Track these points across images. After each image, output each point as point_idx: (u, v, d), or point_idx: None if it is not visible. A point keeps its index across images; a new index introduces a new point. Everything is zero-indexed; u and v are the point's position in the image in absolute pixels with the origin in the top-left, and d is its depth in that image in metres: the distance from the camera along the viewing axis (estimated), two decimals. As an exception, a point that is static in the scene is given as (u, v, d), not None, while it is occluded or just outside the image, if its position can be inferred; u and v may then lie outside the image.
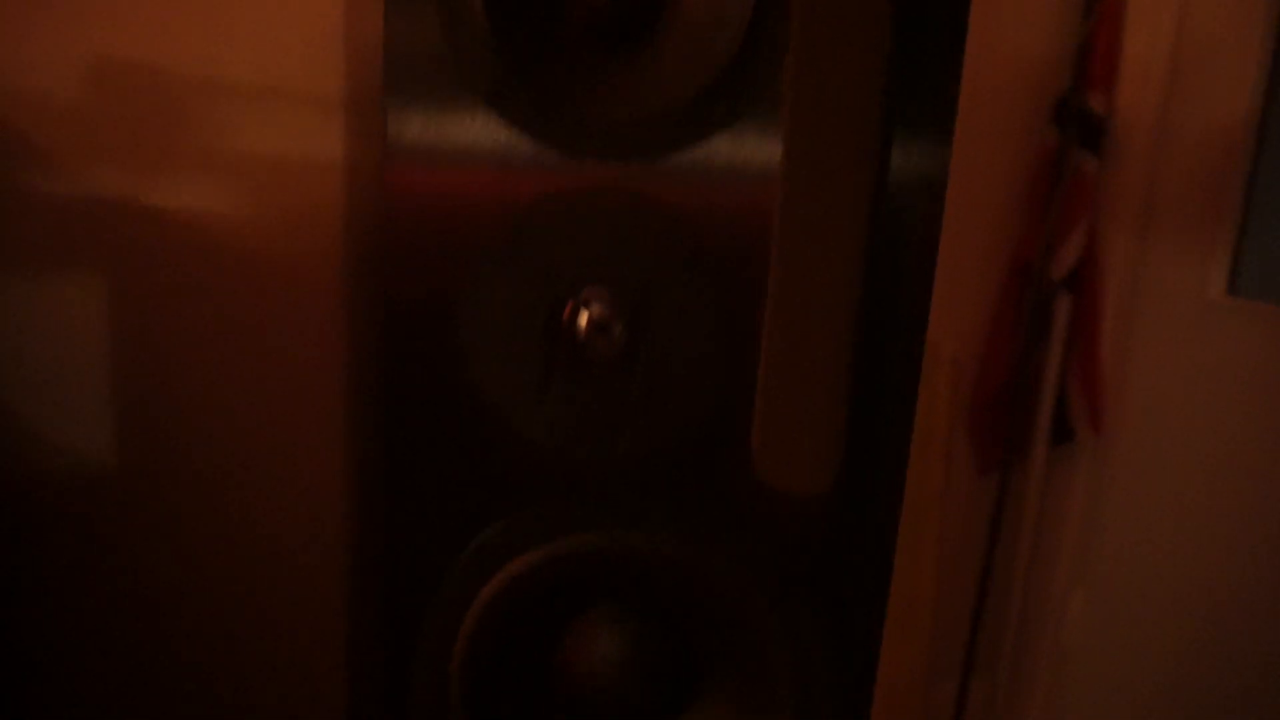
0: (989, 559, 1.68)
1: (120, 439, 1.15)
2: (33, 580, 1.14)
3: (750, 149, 0.36)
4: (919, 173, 0.39)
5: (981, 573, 1.68)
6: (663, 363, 0.33)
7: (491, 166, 0.34)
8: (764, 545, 0.37)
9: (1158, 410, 1.56)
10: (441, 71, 0.34)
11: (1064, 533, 1.68)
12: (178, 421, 1.17)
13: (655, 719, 0.40)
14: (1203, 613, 1.51)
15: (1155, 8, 1.51)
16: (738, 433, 0.35)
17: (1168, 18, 1.51)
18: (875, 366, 0.40)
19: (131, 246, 1.12)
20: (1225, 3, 1.45)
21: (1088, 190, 1.54)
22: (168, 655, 1.22)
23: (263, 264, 1.16)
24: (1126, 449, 1.60)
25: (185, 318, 1.16)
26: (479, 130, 0.34)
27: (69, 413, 1.13)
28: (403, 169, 0.38)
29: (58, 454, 1.13)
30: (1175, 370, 1.52)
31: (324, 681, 1.30)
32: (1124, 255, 1.58)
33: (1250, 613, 1.45)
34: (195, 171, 1.13)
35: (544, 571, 0.37)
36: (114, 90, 1.09)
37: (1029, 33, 1.57)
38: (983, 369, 1.66)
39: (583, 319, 0.35)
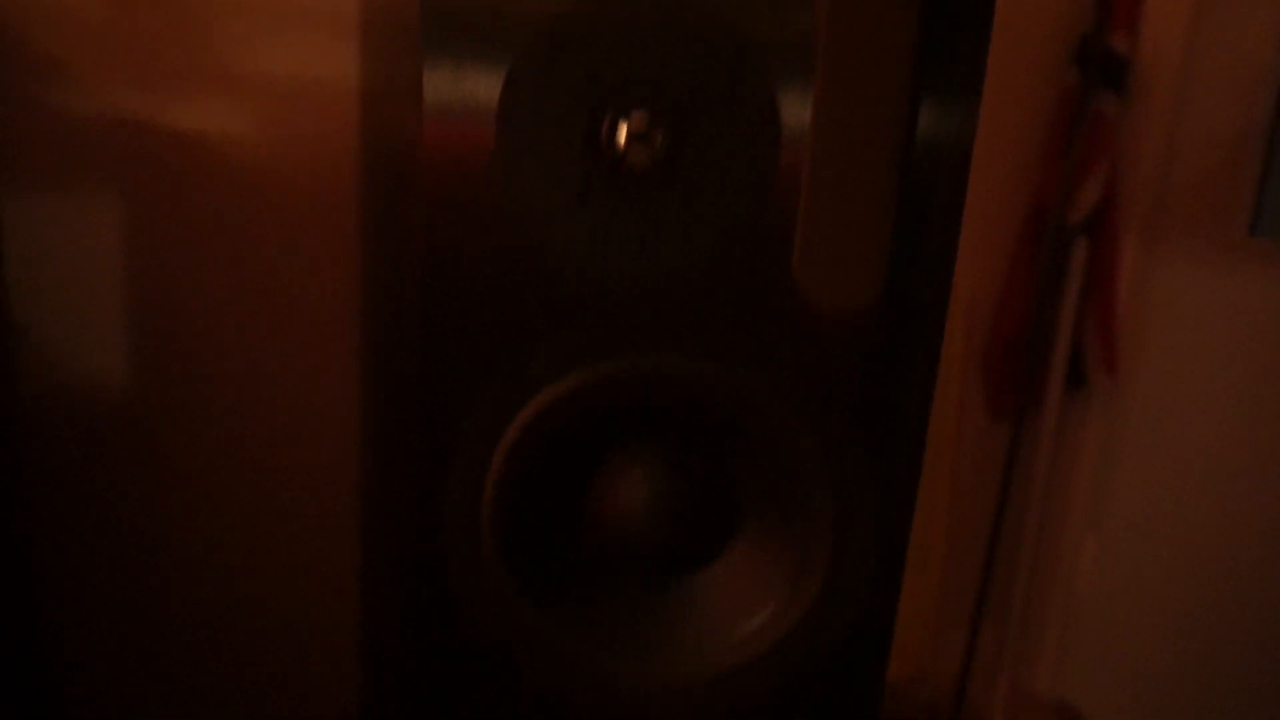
0: (1001, 505, 1.67)
1: (134, 357, 1.15)
2: (45, 498, 1.15)
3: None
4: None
5: (993, 519, 1.67)
6: (705, 173, 0.32)
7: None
8: (806, 367, 0.36)
9: (1175, 355, 1.54)
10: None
11: (1077, 479, 1.67)
12: (192, 339, 1.17)
13: (694, 558, 0.40)
14: (1217, 560, 1.51)
15: (1181, -57, 1.48)
16: (782, 248, 0.35)
17: (1193, -46, 1.48)
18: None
19: (149, 165, 1.12)
20: (1253, -63, 1.43)
21: (1108, 132, 1.52)
22: (183, 564, 1.23)
23: (278, 184, 1.15)
24: (1142, 394, 1.59)
25: (201, 237, 1.15)
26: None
27: (83, 331, 1.13)
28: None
29: (73, 372, 1.13)
30: (1194, 314, 1.51)
31: (336, 577, 1.30)
32: (1144, 198, 1.56)
33: (1267, 560, 1.45)
34: (213, 91, 1.12)
35: (577, 399, 0.36)
36: (134, 7, 1.08)
37: (1051, -29, 1.55)
38: (998, 313, 1.65)
39: (622, 130, 0.34)
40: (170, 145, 1.12)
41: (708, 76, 0.32)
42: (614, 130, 0.33)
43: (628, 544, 0.39)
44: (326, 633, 1.31)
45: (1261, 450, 1.45)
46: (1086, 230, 1.56)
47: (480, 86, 0.31)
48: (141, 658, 1.24)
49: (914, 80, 0.36)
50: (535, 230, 0.33)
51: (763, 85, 0.32)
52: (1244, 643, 1.49)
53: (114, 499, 1.18)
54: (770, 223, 0.35)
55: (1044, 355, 1.62)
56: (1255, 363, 1.45)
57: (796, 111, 0.32)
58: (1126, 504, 1.62)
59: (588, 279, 0.34)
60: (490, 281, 0.34)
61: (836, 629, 0.39)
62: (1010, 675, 1.74)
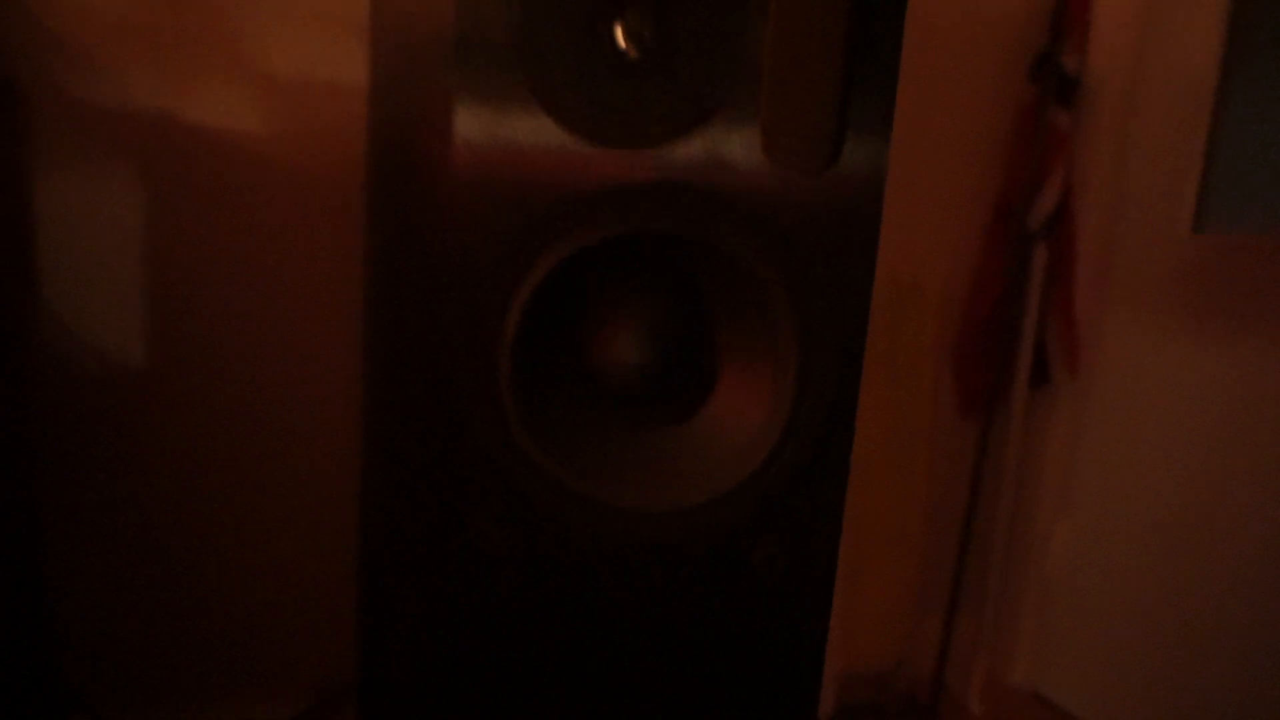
0: (973, 498, 1.74)
1: (151, 334, 1.22)
2: (66, 465, 1.20)
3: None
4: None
5: (966, 511, 1.74)
6: (685, 63, 0.40)
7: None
8: (772, 227, 0.43)
9: (1133, 350, 1.63)
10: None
11: (1045, 472, 1.75)
12: (205, 318, 1.24)
13: (683, 401, 0.47)
14: (1181, 545, 1.58)
15: (1124, -30, 1.61)
16: (750, 128, 0.42)
17: (1136, -21, 1.60)
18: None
19: (170, 154, 1.19)
20: (1188, -37, 1.55)
21: (1063, 143, 1.63)
22: (191, 529, 1.28)
23: (291, 173, 1.23)
24: (1104, 389, 1.67)
25: (216, 223, 1.23)
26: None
27: (106, 310, 1.20)
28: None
29: (93, 349, 1.19)
30: (1149, 310, 1.60)
31: (338, 544, 1.35)
32: (1098, 204, 1.66)
33: (1225, 542, 1.52)
34: (232, 86, 1.20)
35: (578, 258, 0.44)
36: (159, 5, 1.16)
37: (1007, -4, 1.67)
38: (967, 312, 1.73)
39: (618, 28, 0.41)
40: (190, 136, 1.20)
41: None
42: (613, 27, 0.41)
43: (625, 390, 0.46)
44: (326, 599, 1.36)
45: (1218, 439, 1.53)
46: (1046, 235, 1.66)
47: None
48: (149, 629, 1.28)
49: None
50: (552, 105, 0.40)
51: (725, 29, 0.40)
52: (1211, 624, 1.55)
53: (129, 470, 1.23)
54: (740, 106, 0.43)
55: (1010, 354, 1.71)
56: (1207, 354, 1.53)
57: (760, 14, 0.39)
58: (1093, 494, 1.70)
59: (598, 145, 0.41)
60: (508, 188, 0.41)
61: (803, 457, 0.46)
62: (986, 663, 1.79)
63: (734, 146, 0.43)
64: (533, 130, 0.39)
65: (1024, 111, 1.66)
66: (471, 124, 0.41)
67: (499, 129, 0.40)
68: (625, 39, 0.42)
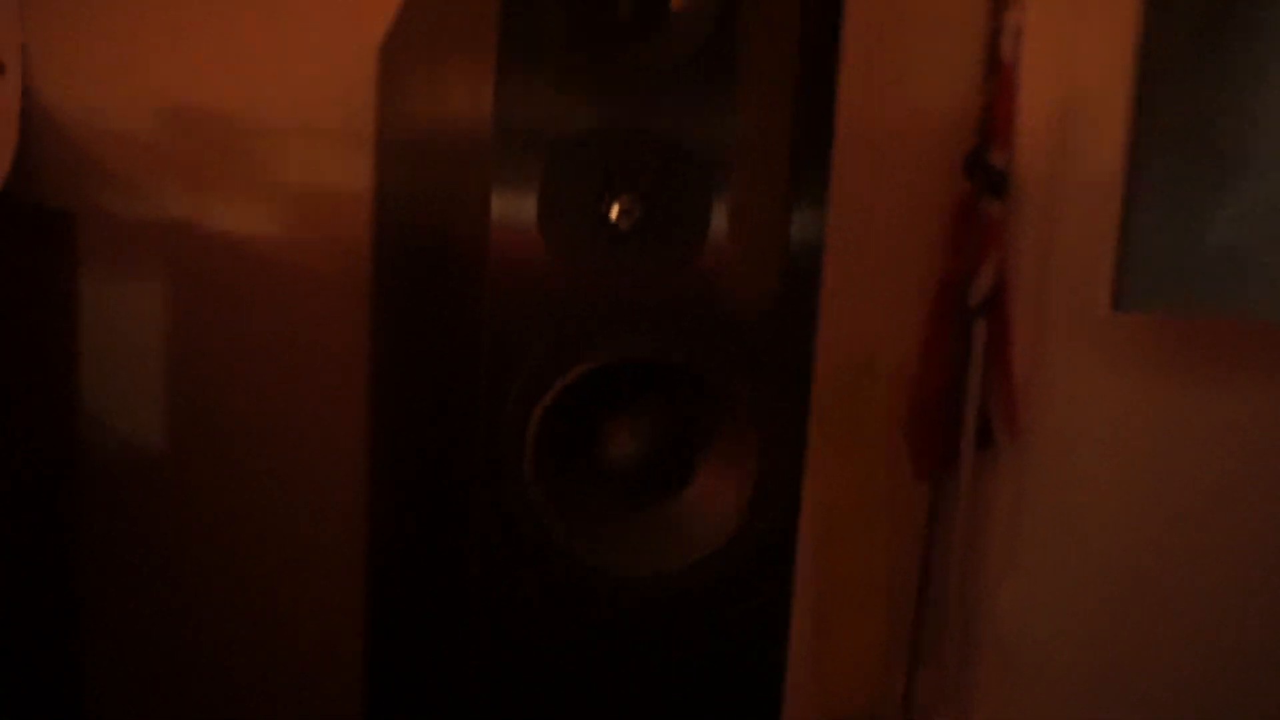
0: (928, 556, 1.88)
1: (171, 425, 1.33)
2: (97, 546, 1.29)
3: None
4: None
5: (921, 568, 1.88)
6: (664, 232, 0.54)
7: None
8: (741, 356, 0.57)
9: (1066, 416, 1.79)
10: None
11: (993, 529, 1.89)
12: (221, 411, 1.35)
13: (667, 486, 0.60)
14: (1118, 591, 1.72)
15: (1042, 76, 1.82)
16: (716, 273, 0.57)
17: (1052, 85, 1.81)
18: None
19: (189, 261, 1.32)
20: (1097, 71, 1.76)
21: (995, 230, 1.81)
22: (210, 602, 1.37)
23: (302, 274, 1.36)
24: (1043, 451, 1.83)
25: (232, 324, 1.35)
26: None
27: (130, 403, 1.31)
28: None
29: (120, 440, 1.30)
30: (1078, 379, 1.77)
31: (344, 586, 1.44)
32: (1030, 283, 1.84)
33: (1158, 589, 1.66)
34: (246, 198, 1.34)
35: (592, 377, 0.57)
36: (178, 129, 1.31)
37: (942, 98, 1.87)
38: (916, 385, 1.89)
39: (615, 207, 0.55)
40: (211, 243, 1.33)
41: (667, 177, 0.54)
42: (610, 206, 0.55)
43: (623, 476, 0.58)
44: (335, 639, 1.44)
45: (1144, 493, 1.69)
46: (985, 312, 1.83)
47: (530, 180, 0.51)
48: (171, 684, 1.36)
49: (794, 170, 0.58)
50: (564, 261, 0.54)
51: (700, 184, 0.54)
52: (1146, 661, 1.69)
53: (154, 532, 1.32)
54: (709, 258, 0.57)
55: (956, 421, 1.86)
56: (1132, 417, 1.70)
57: (721, 202, 0.53)
58: (1038, 548, 1.84)
59: (599, 295, 0.55)
60: (540, 308, 0.53)
61: (763, 529, 0.59)
62: (952, 713, 1.90)
63: (702, 289, 0.57)
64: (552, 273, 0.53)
65: (961, 202, 1.85)
66: (504, 247, 0.53)
67: (527, 260, 0.52)
68: (619, 216, 0.56)
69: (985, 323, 1.84)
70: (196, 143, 1.30)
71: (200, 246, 1.31)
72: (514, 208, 0.54)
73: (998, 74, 1.83)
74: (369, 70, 1.35)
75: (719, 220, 0.56)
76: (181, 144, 1.29)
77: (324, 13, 1.33)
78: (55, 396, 1.05)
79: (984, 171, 1.81)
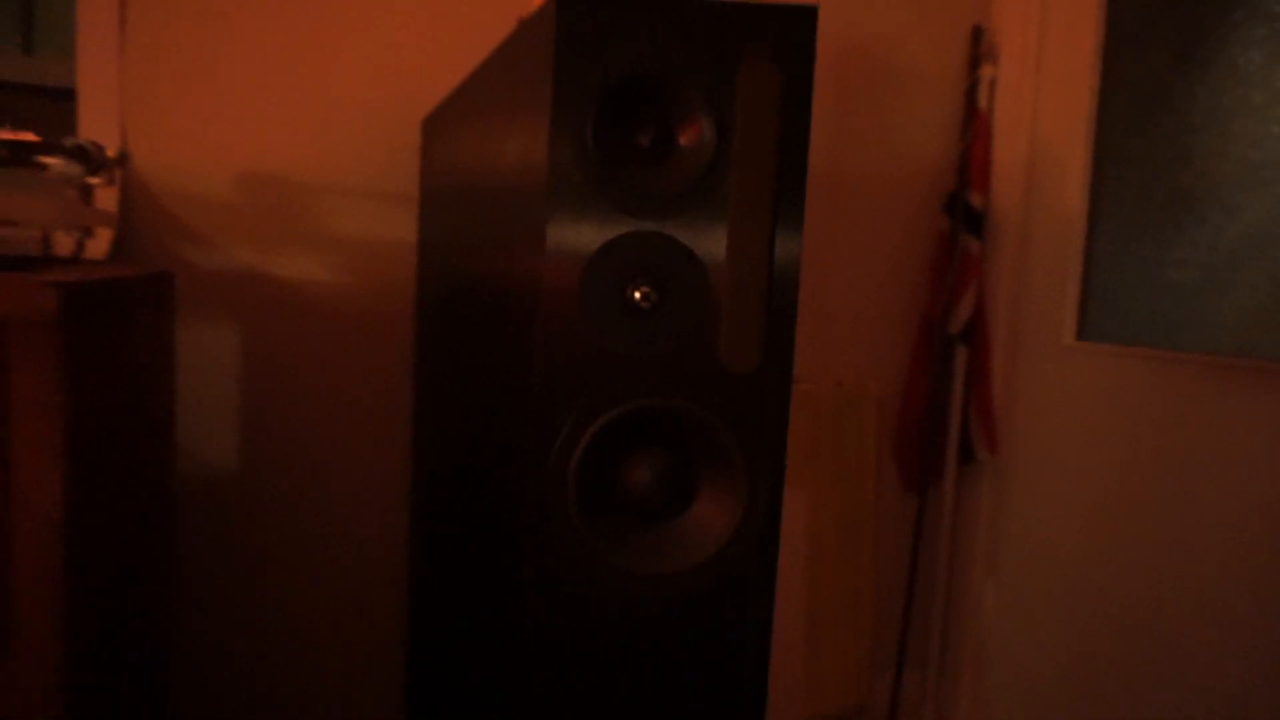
0: (914, 564, 2.05)
1: (244, 448, 1.52)
2: (188, 551, 1.48)
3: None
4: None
5: (909, 576, 2.05)
6: (675, 310, 0.72)
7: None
8: (729, 407, 0.76)
9: (1039, 434, 1.97)
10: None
11: (976, 537, 2.06)
12: (287, 434, 1.54)
13: (675, 506, 0.79)
14: (1089, 593, 1.89)
15: (1014, 127, 2.00)
16: (714, 342, 0.75)
17: (1024, 134, 2.00)
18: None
19: (259, 305, 1.51)
20: (1062, 123, 1.94)
21: (974, 265, 1.99)
22: (273, 595, 1.55)
23: (354, 314, 1.55)
24: (1019, 466, 2.01)
25: (298, 357, 1.54)
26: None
27: (210, 427, 1.50)
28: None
29: (200, 460, 1.49)
30: (1048, 400, 1.95)
31: (390, 595, 1.62)
32: (1005, 313, 2.02)
33: (1124, 590, 1.83)
34: (308, 249, 1.53)
35: (617, 422, 0.75)
36: (251, 192, 1.50)
37: (926, 147, 2.05)
38: (903, 407, 2.07)
39: (636, 292, 0.74)
40: (275, 290, 1.52)
41: (676, 272, 0.72)
42: (634, 291, 0.74)
43: (640, 500, 0.76)
44: (380, 642, 1.63)
45: (1108, 502, 1.85)
46: (964, 340, 2.01)
47: (574, 272, 0.70)
48: (244, 678, 1.55)
49: (770, 269, 0.76)
50: (599, 331, 0.72)
51: (700, 278, 0.72)
52: (1117, 660, 1.85)
53: (231, 537, 1.51)
54: (708, 332, 0.75)
55: (940, 439, 2.04)
56: (1095, 434, 1.87)
57: (716, 291, 0.72)
58: (1016, 555, 2.01)
59: (624, 361, 0.73)
60: (571, 357, 0.72)
61: (749, 542, 0.77)
62: (934, 709, 2.07)
63: (701, 356, 0.75)
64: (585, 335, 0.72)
65: (942, 240, 2.03)
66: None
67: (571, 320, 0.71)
68: (640, 299, 0.75)
69: (965, 349, 2.02)
70: (266, 203, 1.49)
71: (269, 292, 1.50)
72: (560, 293, 0.73)
73: (974, 123, 2.02)
74: (413, 140, 1.54)
75: (715, 304, 0.75)
76: (254, 204, 1.48)
77: (374, 92, 1.52)
78: (160, 430, 1.23)
79: (963, 212, 1.99)
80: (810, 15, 0.76)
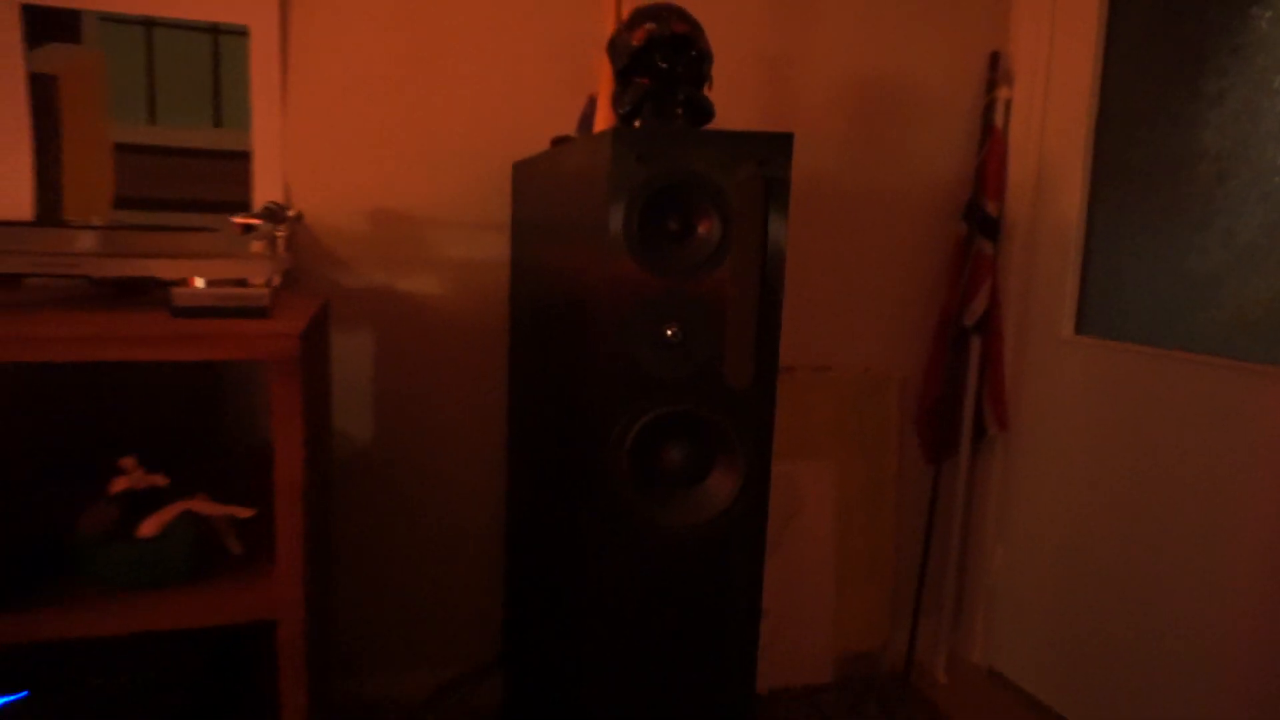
0: (930, 524, 2.37)
1: (377, 429, 1.93)
2: (344, 503, 1.91)
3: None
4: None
5: (926, 534, 2.37)
6: (698, 346, 1.06)
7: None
8: (733, 412, 1.12)
9: (1042, 414, 2.25)
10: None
11: (987, 503, 2.37)
12: (410, 416, 1.95)
13: (697, 476, 1.16)
14: (1090, 554, 2.17)
15: (1025, 142, 2.26)
16: (721, 366, 1.11)
17: (1033, 148, 2.25)
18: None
19: (388, 313, 1.91)
20: (1065, 140, 2.20)
21: (987, 266, 2.27)
22: (398, 545, 1.98)
23: (461, 321, 1.94)
24: (1024, 442, 2.29)
25: (418, 354, 1.94)
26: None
27: (354, 411, 1.92)
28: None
29: (347, 436, 1.92)
30: (1050, 385, 2.22)
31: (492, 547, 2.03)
32: (1014, 308, 2.30)
33: (1113, 549, 2.11)
34: (426, 269, 1.92)
35: (656, 420, 1.12)
36: (379, 224, 1.89)
37: (944, 162, 2.33)
38: (923, 389, 2.38)
39: (669, 329, 1.08)
40: (399, 303, 1.92)
41: (696, 317, 1.07)
42: (666, 330, 1.09)
43: (673, 473, 1.13)
44: (483, 574, 2.04)
45: (1101, 477, 2.13)
46: (978, 331, 2.30)
47: (623, 318, 1.06)
48: (377, 611, 1.98)
49: (756, 320, 1.09)
50: (642, 359, 1.08)
51: (713, 321, 1.07)
52: (1111, 610, 2.13)
53: (369, 497, 1.94)
54: (717, 360, 1.11)
55: (956, 417, 2.34)
56: (1092, 412, 2.14)
57: (721, 333, 1.06)
58: (1023, 519, 2.31)
59: (660, 378, 1.08)
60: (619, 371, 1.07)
61: (746, 503, 1.13)
62: (948, 647, 2.40)
63: (713, 376, 1.11)
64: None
65: (959, 243, 2.31)
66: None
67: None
68: (671, 335, 1.10)
69: (979, 339, 2.31)
70: (392, 233, 1.89)
71: (395, 304, 1.91)
72: (615, 329, 1.09)
73: (990, 139, 2.28)
74: (505, 177, 1.92)
75: (721, 341, 1.10)
76: (383, 235, 1.88)
77: (474, 142, 1.90)
78: (326, 414, 1.65)
79: (978, 217, 2.27)
80: (786, 140, 1.08)
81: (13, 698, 1.07)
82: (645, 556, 1.16)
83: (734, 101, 2.10)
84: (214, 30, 1.73)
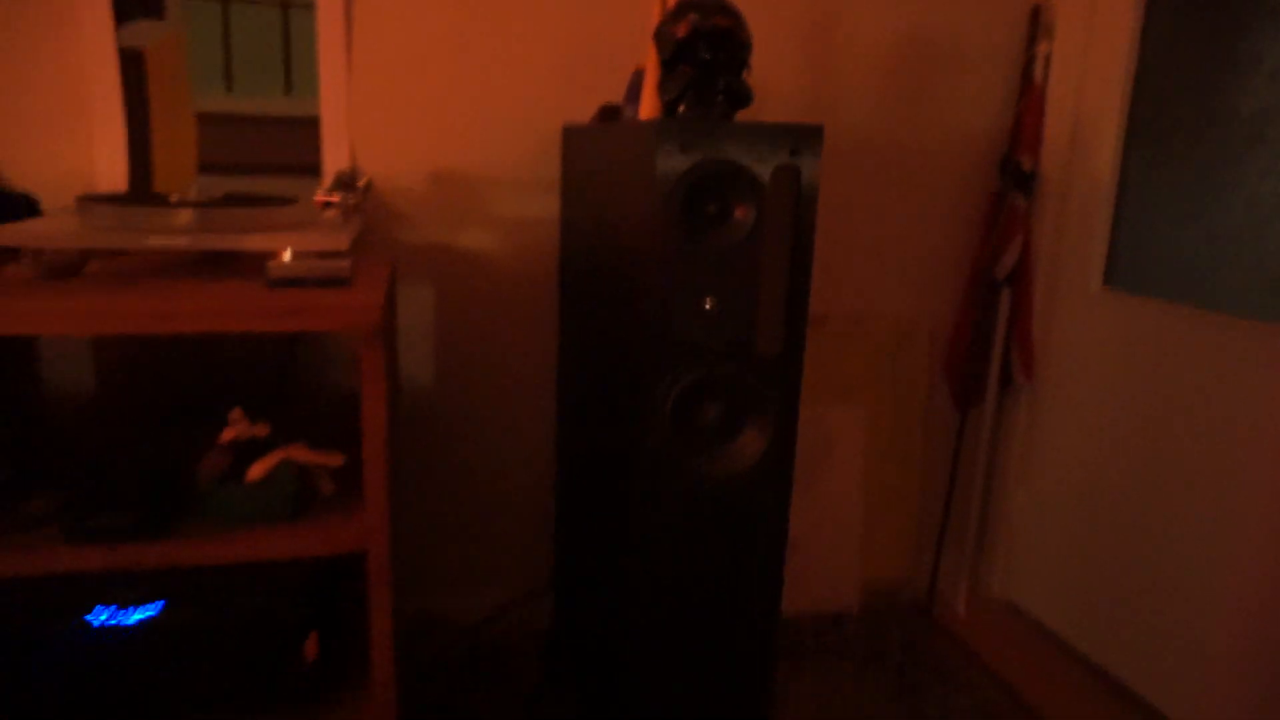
0: (955, 466, 2.49)
1: (437, 374, 2.10)
2: (407, 450, 2.09)
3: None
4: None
5: (951, 474, 2.50)
6: (733, 314, 1.19)
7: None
8: (759, 373, 1.25)
9: (1068, 365, 2.34)
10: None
11: (1011, 448, 2.48)
12: (468, 363, 2.11)
13: (732, 431, 1.30)
14: (1106, 497, 2.29)
15: (1061, 98, 2.30)
16: (754, 334, 1.24)
17: (1070, 103, 2.29)
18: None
19: (446, 268, 2.06)
20: (1102, 96, 2.23)
21: (1020, 220, 2.33)
22: (482, 479, 2.17)
23: (514, 275, 2.08)
24: (1049, 391, 2.39)
25: (474, 306, 2.09)
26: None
27: (416, 358, 2.08)
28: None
29: (411, 381, 2.09)
30: (1076, 337, 2.31)
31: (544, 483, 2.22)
32: (1045, 261, 2.37)
33: (1130, 494, 2.22)
34: (481, 226, 2.05)
35: (697, 381, 1.26)
36: (438, 183, 2.02)
37: (980, 117, 2.38)
38: (953, 339, 2.47)
39: (708, 302, 1.21)
40: (458, 257, 2.06)
41: (730, 291, 1.19)
42: (705, 302, 1.22)
43: (713, 428, 1.27)
44: (535, 522, 2.23)
45: (1122, 423, 2.23)
46: (1009, 283, 2.38)
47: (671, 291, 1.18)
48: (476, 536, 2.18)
49: (786, 294, 1.19)
50: (685, 327, 1.21)
51: (746, 295, 1.19)
52: (1132, 555, 2.26)
53: (431, 435, 2.12)
54: (750, 328, 1.23)
55: (984, 366, 2.44)
56: (1115, 365, 2.23)
57: (755, 301, 1.19)
58: (1044, 464, 2.42)
59: (699, 345, 1.21)
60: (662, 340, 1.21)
61: (774, 456, 1.27)
62: (969, 581, 2.55)
63: (747, 344, 1.24)
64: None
65: (992, 197, 2.38)
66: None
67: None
68: (710, 307, 1.23)
69: (1009, 291, 2.39)
70: (450, 193, 2.02)
71: (453, 259, 2.05)
72: (660, 302, 1.22)
73: (1029, 94, 2.32)
74: (555, 139, 2.03)
75: (755, 312, 1.22)
76: (441, 195, 2.01)
77: (528, 108, 2.01)
78: (393, 361, 1.82)
79: (1013, 171, 2.32)
80: (816, 131, 1.18)
81: (152, 607, 1.28)
82: (683, 500, 1.31)
83: (776, 61, 2.17)
84: (284, 4, 1.85)
